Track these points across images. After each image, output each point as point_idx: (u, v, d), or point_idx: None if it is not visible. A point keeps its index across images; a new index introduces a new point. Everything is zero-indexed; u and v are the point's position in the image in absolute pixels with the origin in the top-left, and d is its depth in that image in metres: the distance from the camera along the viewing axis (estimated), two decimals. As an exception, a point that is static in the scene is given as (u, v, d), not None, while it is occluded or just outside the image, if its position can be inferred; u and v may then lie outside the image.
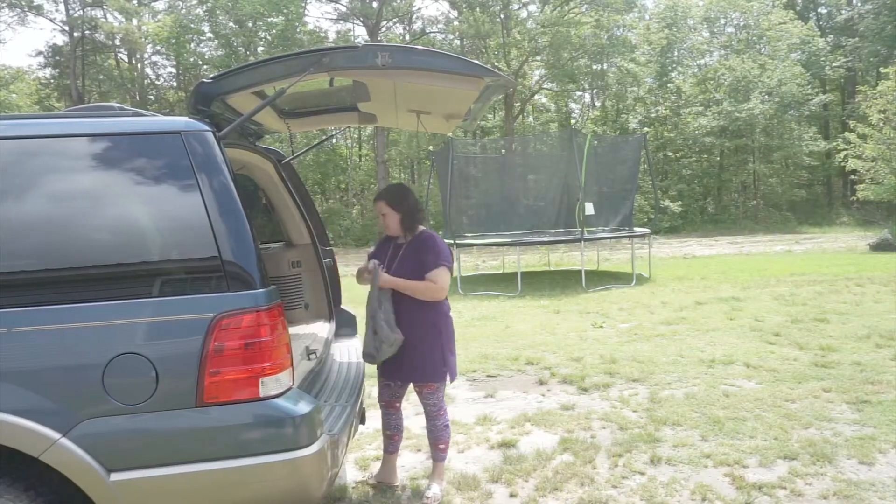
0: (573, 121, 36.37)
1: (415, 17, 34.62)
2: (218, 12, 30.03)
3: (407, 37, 33.58)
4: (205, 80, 2.47)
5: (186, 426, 2.08)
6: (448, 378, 3.29)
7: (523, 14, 32.73)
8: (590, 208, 11.97)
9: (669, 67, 32.83)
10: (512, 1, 31.26)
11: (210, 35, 31.33)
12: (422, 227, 3.26)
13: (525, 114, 35.90)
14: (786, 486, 3.29)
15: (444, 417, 3.34)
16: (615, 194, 13.30)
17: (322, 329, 3.81)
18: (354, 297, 4.19)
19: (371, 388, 3.93)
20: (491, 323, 8.40)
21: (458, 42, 32.64)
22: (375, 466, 3.73)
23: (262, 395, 2.12)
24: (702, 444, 3.90)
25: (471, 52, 30.67)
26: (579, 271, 11.97)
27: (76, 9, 30.37)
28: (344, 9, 32.53)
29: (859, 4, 32.96)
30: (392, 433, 3.47)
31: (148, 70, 34.32)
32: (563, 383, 5.39)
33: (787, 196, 30.03)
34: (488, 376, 5.73)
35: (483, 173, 14.86)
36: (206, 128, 2.24)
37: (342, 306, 4.11)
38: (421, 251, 3.16)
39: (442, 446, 3.35)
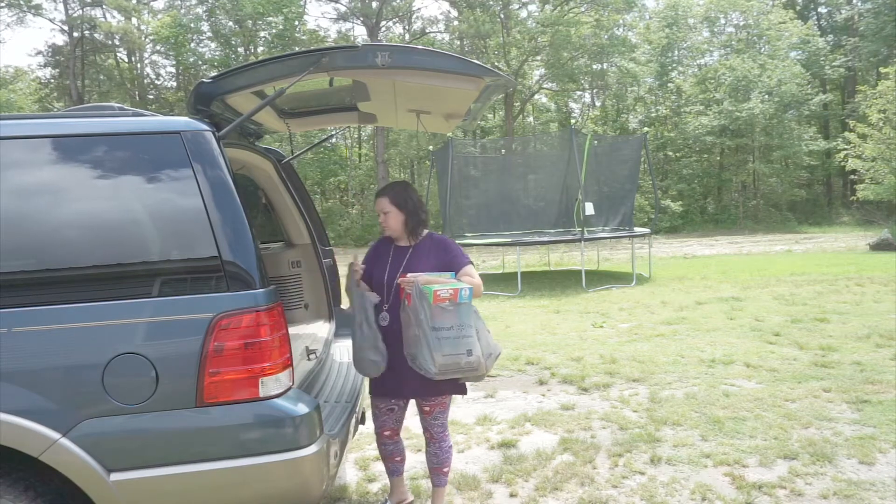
0: (573, 121, 36.36)
1: (415, 16, 34.69)
2: (218, 12, 30.03)
3: (407, 37, 33.59)
4: (204, 80, 2.46)
5: (186, 426, 2.08)
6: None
7: (523, 14, 32.78)
8: (590, 208, 11.97)
9: (669, 67, 32.84)
10: (512, 0, 31.26)
11: (210, 35, 31.33)
12: (426, 230, 3.00)
13: (525, 114, 35.92)
14: (786, 486, 3.29)
15: (449, 439, 3.06)
16: (615, 194, 13.30)
17: (322, 329, 3.81)
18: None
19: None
20: (491, 323, 8.37)
21: (458, 42, 32.64)
22: (375, 467, 3.73)
23: (261, 395, 2.12)
24: (702, 443, 3.90)
25: (471, 51, 30.68)
26: (579, 271, 11.97)
27: (75, 8, 30.39)
28: (344, 8, 32.57)
29: (859, 4, 32.98)
30: (400, 458, 3.15)
31: (148, 70, 34.38)
32: (563, 383, 5.39)
33: (787, 196, 30.06)
34: (488, 376, 5.72)
35: (483, 173, 14.86)
36: (206, 128, 2.24)
37: (342, 306, 4.10)
38: (440, 254, 2.91)
39: (446, 469, 3.08)
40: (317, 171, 30.69)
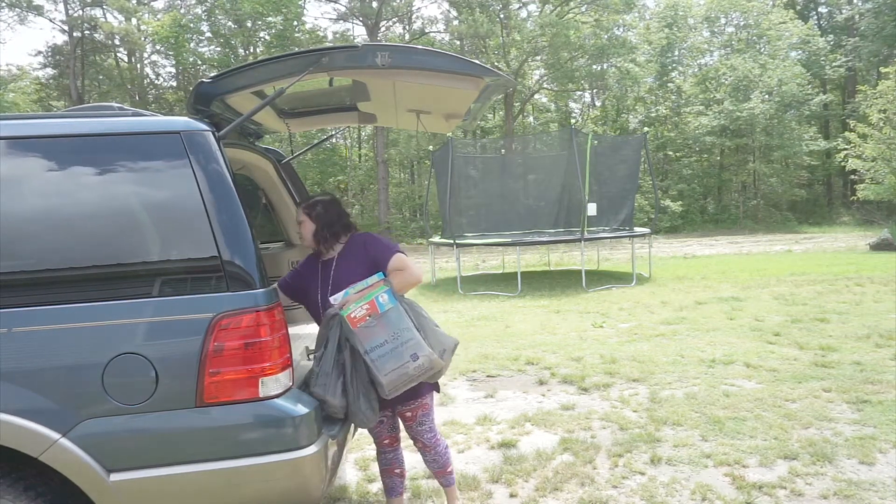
0: (573, 121, 36.39)
1: (414, 16, 34.67)
2: (217, 12, 30.02)
3: (407, 36, 33.58)
4: (204, 80, 2.46)
5: (186, 426, 2.08)
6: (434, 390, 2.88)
7: (523, 14, 32.77)
8: (592, 209, 11.98)
9: (670, 67, 32.85)
10: (512, 1, 31.25)
11: (209, 35, 31.33)
12: (349, 234, 2.82)
13: (525, 114, 35.91)
14: (786, 486, 3.29)
15: (443, 440, 2.96)
16: (615, 194, 13.30)
17: (322, 329, 3.80)
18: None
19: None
20: (491, 323, 8.40)
21: (457, 42, 32.64)
22: (376, 467, 3.72)
23: (261, 395, 2.12)
24: (702, 443, 3.90)
25: (471, 52, 30.67)
26: (579, 271, 11.97)
27: (76, 8, 30.39)
28: (343, 8, 32.55)
29: (859, 4, 32.98)
30: (400, 470, 3.03)
31: (147, 70, 34.36)
32: (564, 383, 5.39)
33: (787, 196, 30.07)
34: (488, 376, 5.73)
35: (483, 173, 14.86)
36: (206, 128, 2.24)
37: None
38: (365, 254, 2.71)
39: (450, 469, 2.99)
40: (317, 171, 30.69)
